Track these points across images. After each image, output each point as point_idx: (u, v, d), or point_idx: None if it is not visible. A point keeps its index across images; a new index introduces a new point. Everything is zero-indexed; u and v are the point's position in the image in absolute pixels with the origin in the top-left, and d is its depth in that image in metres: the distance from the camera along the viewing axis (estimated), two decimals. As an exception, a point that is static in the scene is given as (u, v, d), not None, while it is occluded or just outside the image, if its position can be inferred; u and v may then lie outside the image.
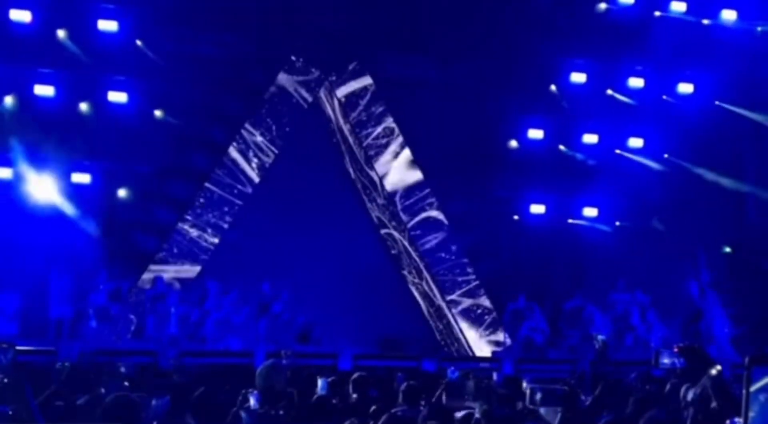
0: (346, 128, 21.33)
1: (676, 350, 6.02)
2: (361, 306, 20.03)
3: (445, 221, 21.26)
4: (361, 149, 21.21)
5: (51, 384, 9.25)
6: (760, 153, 22.76)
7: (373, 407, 8.82)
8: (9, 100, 18.74)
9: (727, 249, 22.21)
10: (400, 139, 21.16)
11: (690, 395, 5.49)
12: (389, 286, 21.30)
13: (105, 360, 14.50)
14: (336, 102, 21.19)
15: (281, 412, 7.32)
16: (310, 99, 20.84)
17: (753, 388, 4.04)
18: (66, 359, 14.47)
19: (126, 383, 9.54)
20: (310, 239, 20.13)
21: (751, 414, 4.06)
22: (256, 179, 20.37)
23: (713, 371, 5.32)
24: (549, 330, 20.50)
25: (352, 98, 21.06)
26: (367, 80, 21.06)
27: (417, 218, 21.17)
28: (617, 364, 16.13)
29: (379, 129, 21.10)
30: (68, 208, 18.81)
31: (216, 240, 20.02)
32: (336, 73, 20.97)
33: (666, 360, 6.16)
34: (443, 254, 21.23)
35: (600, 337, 18.70)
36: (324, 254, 20.25)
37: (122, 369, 11.55)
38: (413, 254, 21.32)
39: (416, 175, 21.20)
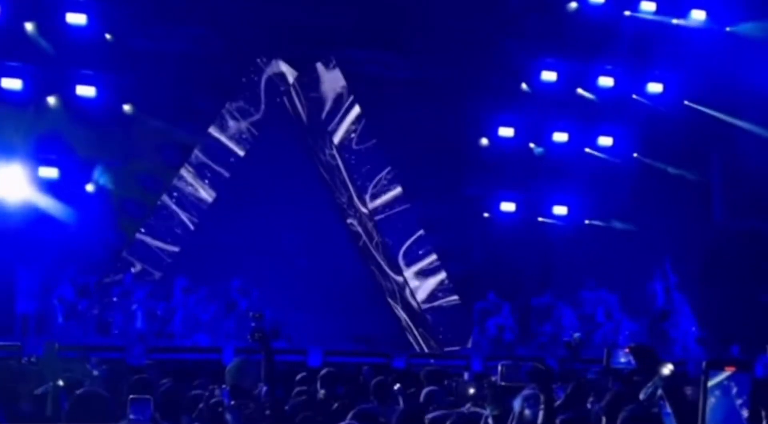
0: (316, 125, 21.26)
1: (627, 350, 5.98)
2: (330, 303, 20.00)
3: (416, 219, 21.27)
4: (331, 146, 21.15)
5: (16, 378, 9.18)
6: (727, 152, 22.94)
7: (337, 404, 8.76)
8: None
9: None
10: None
11: (642, 396, 5.46)
12: (359, 282, 21.28)
13: (72, 356, 14.40)
14: (307, 99, 21.11)
15: (267, 412, 7.21)
16: (280, 95, 20.75)
17: (710, 384, 4.46)
18: (32, 354, 14.40)
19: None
20: (279, 235, 20.12)
21: (707, 410, 4.40)
22: (226, 174, 20.32)
23: (665, 371, 5.28)
24: (518, 328, 20.55)
25: (323, 95, 20.97)
26: (338, 77, 21.00)
27: (386, 214, 21.16)
28: (587, 362, 16.19)
29: (348, 124, 21.06)
30: (35, 203, 18.63)
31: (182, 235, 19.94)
32: (308, 69, 20.90)
33: (622, 359, 6.13)
34: (413, 252, 21.23)
35: (576, 335, 18.77)
36: (293, 250, 20.26)
37: (95, 373, 11.46)
38: (382, 251, 21.32)
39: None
